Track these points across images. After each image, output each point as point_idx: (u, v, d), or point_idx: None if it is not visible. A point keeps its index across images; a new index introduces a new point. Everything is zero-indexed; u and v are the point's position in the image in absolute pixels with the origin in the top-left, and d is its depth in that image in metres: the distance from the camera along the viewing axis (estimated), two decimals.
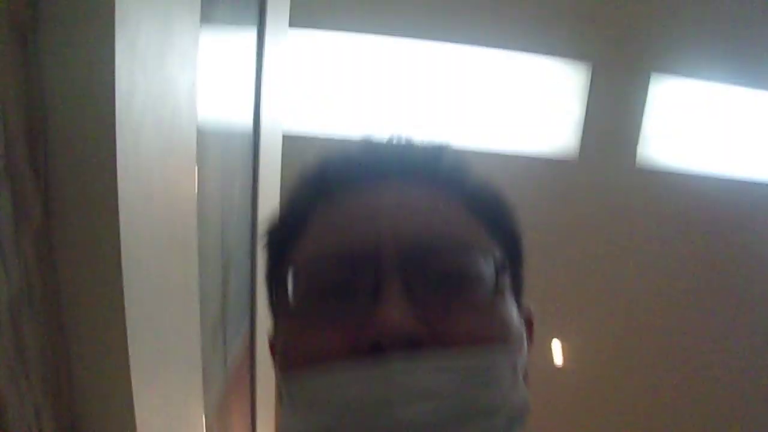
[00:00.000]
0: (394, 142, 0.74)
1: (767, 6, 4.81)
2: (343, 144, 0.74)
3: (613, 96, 5.09)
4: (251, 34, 2.80)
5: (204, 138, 2.08)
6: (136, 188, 1.55)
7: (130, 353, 1.46)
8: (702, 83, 5.03)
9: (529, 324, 0.72)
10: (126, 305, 1.42)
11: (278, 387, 0.69)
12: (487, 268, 0.65)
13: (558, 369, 5.83)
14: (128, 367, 1.46)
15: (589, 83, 5.10)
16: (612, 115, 5.15)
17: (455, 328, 0.61)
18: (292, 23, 3.77)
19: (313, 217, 0.70)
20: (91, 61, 1.27)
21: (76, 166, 1.37)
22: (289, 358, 0.65)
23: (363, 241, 0.64)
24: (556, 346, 5.84)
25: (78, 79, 1.26)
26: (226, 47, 2.46)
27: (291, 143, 3.53)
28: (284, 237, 0.73)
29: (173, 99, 1.78)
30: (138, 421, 1.52)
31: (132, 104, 1.46)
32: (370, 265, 0.62)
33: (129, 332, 1.45)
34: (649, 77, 5.09)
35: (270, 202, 2.96)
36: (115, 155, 1.38)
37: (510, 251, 0.71)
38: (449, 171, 0.73)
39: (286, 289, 0.66)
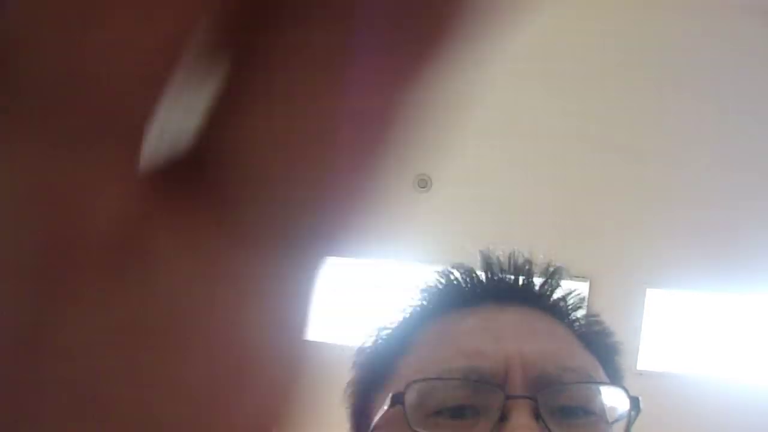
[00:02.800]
0: (514, 264, 0.74)
1: (753, 216, 5.12)
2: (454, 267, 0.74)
3: (610, 309, 5.20)
4: None
5: None
6: None
7: None
8: (695, 293, 5.21)
9: None
10: None
11: None
12: (608, 404, 0.64)
13: None
14: None
15: (587, 298, 5.25)
16: (610, 326, 5.24)
17: None
18: None
19: (424, 334, 0.69)
20: None
21: None
22: None
23: (489, 363, 0.62)
24: None
25: None
26: None
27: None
28: (388, 351, 0.71)
29: None
30: None
31: None
32: (497, 388, 0.61)
33: None
34: (644, 292, 5.25)
35: None
36: None
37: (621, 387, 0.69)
38: (563, 300, 0.74)
39: (402, 404, 0.62)
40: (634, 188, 5.13)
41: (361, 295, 4.62)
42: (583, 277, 5.34)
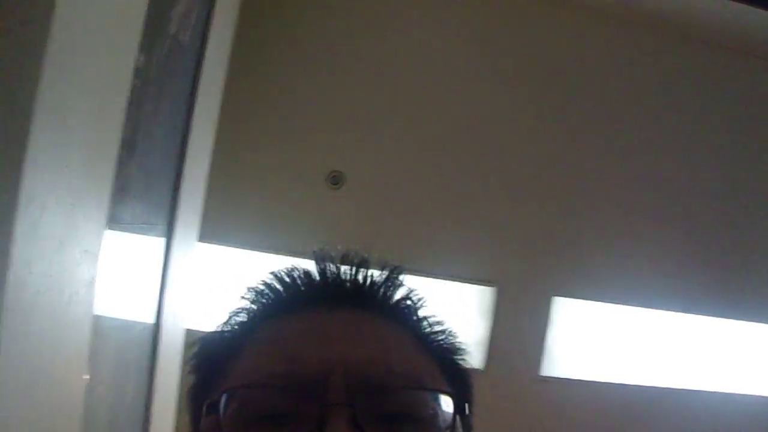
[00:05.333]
0: (347, 267, 0.70)
1: (658, 236, 5.30)
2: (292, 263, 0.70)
3: (516, 316, 5.30)
4: (161, 242, 2.88)
5: (100, 330, 2.06)
6: (19, 373, 1.52)
7: None
8: (599, 304, 5.36)
9: None
10: None
11: None
12: (440, 409, 0.61)
13: None
14: None
15: (494, 305, 5.31)
16: (515, 331, 5.33)
17: None
18: (201, 238, 3.90)
19: (254, 338, 0.66)
20: None
21: None
22: None
23: (309, 369, 0.59)
24: None
25: None
26: (133, 249, 2.52)
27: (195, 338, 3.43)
28: (220, 355, 0.67)
29: (70, 289, 1.79)
30: None
31: (26, 285, 1.47)
32: (316, 395, 0.57)
33: None
34: (551, 300, 5.36)
35: (167, 395, 2.87)
36: None
37: (460, 392, 0.66)
38: (402, 302, 0.70)
39: (218, 413, 0.59)
40: (544, 196, 5.22)
41: None
42: (490, 282, 5.40)
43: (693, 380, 5.43)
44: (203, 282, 3.96)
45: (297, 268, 0.70)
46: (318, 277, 0.70)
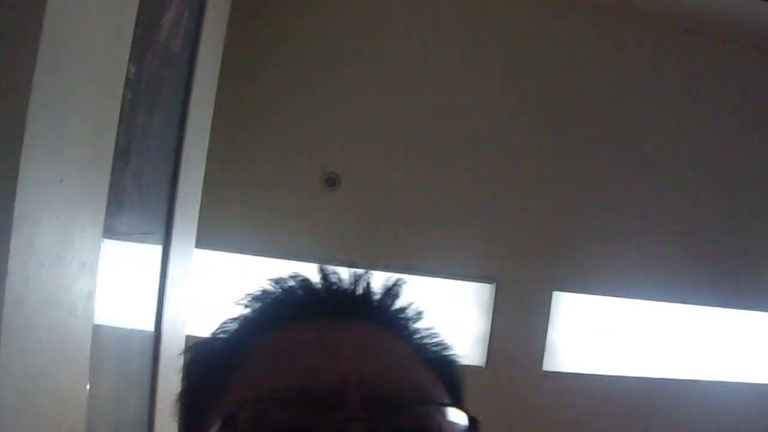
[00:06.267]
0: (353, 276, 0.70)
1: (655, 228, 5.31)
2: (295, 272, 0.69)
3: (516, 312, 5.31)
4: (158, 250, 2.88)
5: (101, 341, 2.07)
6: (20, 389, 1.52)
7: None
8: (599, 298, 5.37)
9: None
10: None
11: None
12: (446, 423, 0.61)
13: None
14: None
15: (494, 301, 5.32)
16: (515, 328, 5.34)
17: None
18: (199, 245, 3.90)
19: (257, 347, 0.64)
20: None
21: None
22: None
23: (324, 383, 0.59)
24: None
25: None
26: (130, 259, 2.52)
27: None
28: (217, 363, 0.66)
29: (69, 303, 1.79)
30: None
31: (23, 303, 1.47)
32: (333, 409, 0.57)
33: None
34: (551, 295, 5.36)
35: (170, 402, 2.87)
36: None
37: (459, 404, 0.67)
38: (401, 312, 0.70)
39: (233, 427, 0.58)
40: (541, 192, 5.22)
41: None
42: (489, 279, 5.41)
43: (694, 371, 5.46)
44: (202, 288, 3.96)
45: (296, 276, 0.70)
46: (320, 287, 0.69)
